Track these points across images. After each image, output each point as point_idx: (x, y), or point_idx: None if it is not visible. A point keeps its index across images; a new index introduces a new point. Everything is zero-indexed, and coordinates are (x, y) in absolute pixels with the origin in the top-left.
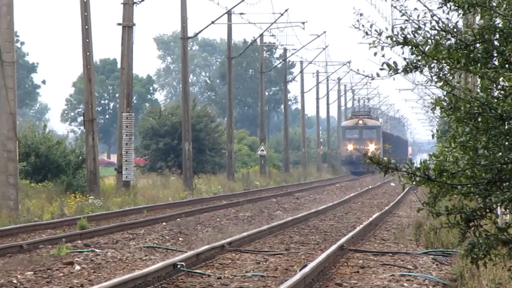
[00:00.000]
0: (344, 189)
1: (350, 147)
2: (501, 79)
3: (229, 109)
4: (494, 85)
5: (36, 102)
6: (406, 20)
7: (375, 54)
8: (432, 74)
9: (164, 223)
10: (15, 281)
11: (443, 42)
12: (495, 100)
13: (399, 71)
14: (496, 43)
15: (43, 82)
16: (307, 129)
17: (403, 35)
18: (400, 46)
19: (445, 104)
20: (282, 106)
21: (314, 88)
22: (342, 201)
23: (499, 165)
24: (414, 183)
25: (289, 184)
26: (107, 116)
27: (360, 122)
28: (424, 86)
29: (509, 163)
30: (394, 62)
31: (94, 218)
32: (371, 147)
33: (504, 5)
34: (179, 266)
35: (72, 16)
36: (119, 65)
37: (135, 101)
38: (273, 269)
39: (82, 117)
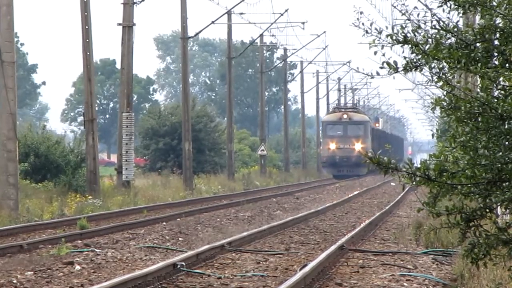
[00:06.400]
0: (344, 189)
1: (332, 146)
2: (501, 78)
3: (229, 109)
4: (494, 85)
5: (36, 102)
6: (407, 19)
7: (375, 53)
8: (433, 74)
9: (164, 223)
10: (15, 281)
11: (444, 42)
12: (495, 100)
13: (399, 70)
14: (496, 42)
15: (43, 83)
16: (307, 129)
17: (403, 34)
18: (400, 45)
19: (445, 104)
20: (282, 106)
21: (314, 88)
22: (342, 201)
23: (499, 165)
24: (414, 183)
25: (289, 184)
26: (107, 116)
27: (345, 116)
28: (424, 86)
29: (509, 163)
30: (394, 61)
31: (94, 218)
32: (358, 146)
33: (505, 5)
34: (179, 266)
35: (72, 16)
36: (118, 65)
37: (135, 101)
38: (273, 269)
39: (82, 117)
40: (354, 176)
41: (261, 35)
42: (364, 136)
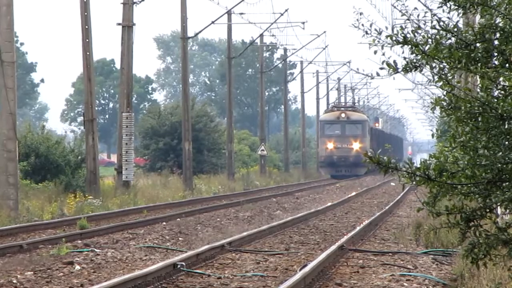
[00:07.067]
0: (344, 189)
1: (330, 145)
2: (501, 78)
3: (229, 109)
4: (494, 85)
5: (36, 101)
6: (407, 19)
7: (375, 52)
8: (433, 73)
9: (164, 223)
10: (15, 281)
11: (444, 42)
12: (495, 100)
13: (399, 70)
14: (496, 42)
15: (42, 80)
16: (307, 129)
17: (402, 34)
18: (400, 45)
19: (445, 104)
20: (282, 106)
21: (314, 88)
22: (342, 200)
23: (499, 165)
24: (414, 183)
25: (289, 184)
26: (107, 116)
27: (343, 115)
28: (424, 86)
29: (509, 163)
30: (394, 61)
31: (94, 218)
32: (356, 146)
33: (505, 4)
34: (179, 266)
35: (72, 16)
36: (117, 65)
37: (135, 102)
38: (273, 269)
39: (82, 117)
40: (352, 176)
41: (261, 35)
42: (362, 135)
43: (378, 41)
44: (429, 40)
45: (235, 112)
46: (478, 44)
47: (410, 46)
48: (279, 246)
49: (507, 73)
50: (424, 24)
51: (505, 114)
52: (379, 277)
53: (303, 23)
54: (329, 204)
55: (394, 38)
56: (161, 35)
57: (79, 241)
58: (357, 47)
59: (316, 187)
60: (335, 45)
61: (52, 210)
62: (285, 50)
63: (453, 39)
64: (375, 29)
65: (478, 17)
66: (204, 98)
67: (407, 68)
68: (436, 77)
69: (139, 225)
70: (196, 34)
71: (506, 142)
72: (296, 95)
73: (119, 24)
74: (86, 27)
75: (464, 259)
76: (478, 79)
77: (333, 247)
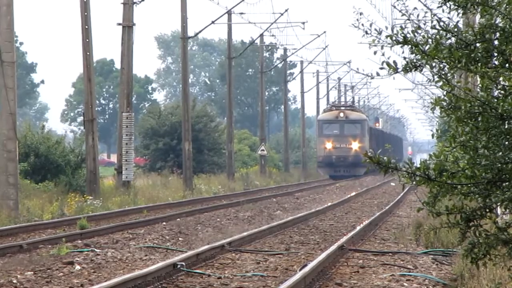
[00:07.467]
0: (344, 189)
1: (328, 145)
2: (501, 78)
3: (229, 109)
4: (494, 85)
5: (36, 101)
6: (408, 20)
7: (375, 53)
8: (433, 73)
9: (164, 223)
10: (15, 281)
11: (444, 42)
12: (495, 100)
13: (399, 70)
14: (496, 42)
15: (42, 81)
16: (307, 129)
17: (402, 34)
18: (400, 45)
19: (445, 104)
20: (282, 106)
21: (314, 88)
22: (342, 200)
23: (499, 165)
24: (414, 183)
25: (289, 184)
26: (106, 116)
27: (341, 114)
28: (424, 86)
29: (509, 163)
30: (394, 62)
31: (94, 218)
32: (355, 146)
33: (505, 4)
34: (179, 266)
35: (72, 16)
36: (117, 65)
37: (135, 102)
38: (273, 269)
39: (82, 117)
40: (351, 176)
41: (261, 35)
42: (361, 135)
43: (378, 41)
44: (429, 40)
45: (235, 112)
46: (478, 44)
47: (410, 46)
48: (279, 246)
49: (507, 73)
50: (424, 24)
51: (505, 114)
52: (379, 277)
53: (303, 23)
54: (329, 204)
55: (394, 38)
56: (162, 34)
57: (79, 241)
58: (357, 47)
59: (316, 187)
60: (335, 45)
61: (52, 210)
62: (285, 50)
63: (453, 39)
64: (375, 29)
65: (478, 17)
66: (204, 98)
67: (407, 68)
68: (436, 77)
69: (139, 225)
70: (196, 34)
71: (506, 142)
72: (296, 95)
73: (119, 24)
74: (86, 27)
75: (464, 259)
76: (478, 79)
77: (333, 247)
